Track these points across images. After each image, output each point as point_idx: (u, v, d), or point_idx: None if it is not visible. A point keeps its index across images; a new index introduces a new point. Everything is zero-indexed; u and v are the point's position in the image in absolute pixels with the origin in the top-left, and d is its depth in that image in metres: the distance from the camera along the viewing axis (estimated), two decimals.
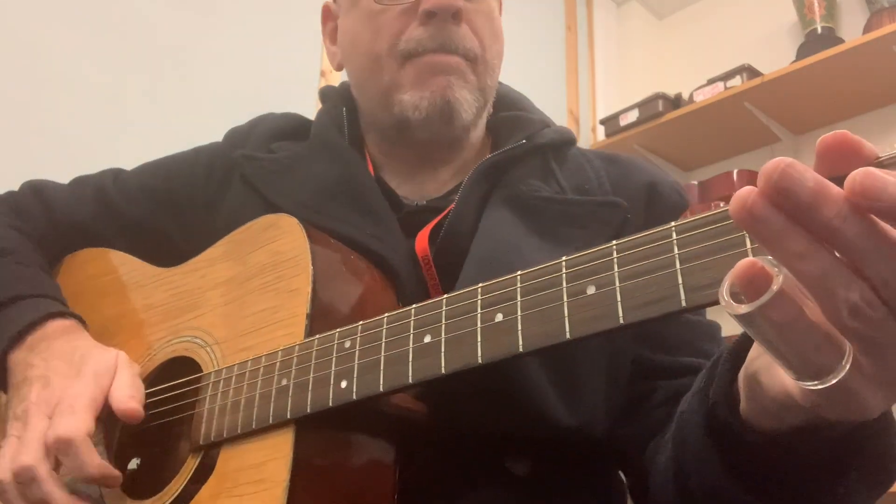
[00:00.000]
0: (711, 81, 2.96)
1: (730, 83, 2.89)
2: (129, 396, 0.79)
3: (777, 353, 0.41)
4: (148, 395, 0.83)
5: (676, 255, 0.53)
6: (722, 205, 0.52)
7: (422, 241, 0.86)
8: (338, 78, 2.51)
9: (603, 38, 3.58)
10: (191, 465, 0.77)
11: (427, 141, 0.92)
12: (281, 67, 2.39)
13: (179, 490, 0.77)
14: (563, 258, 0.59)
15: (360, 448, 0.73)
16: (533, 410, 0.75)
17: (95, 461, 0.75)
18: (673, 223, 0.54)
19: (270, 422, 0.71)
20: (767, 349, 0.42)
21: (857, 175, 0.36)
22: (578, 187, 0.92)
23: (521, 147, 0.93)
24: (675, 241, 0.53)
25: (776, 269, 0.39)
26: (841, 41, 2.81)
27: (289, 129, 1.04)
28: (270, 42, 2.40)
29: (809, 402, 0.44)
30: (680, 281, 0.52)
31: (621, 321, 0.54)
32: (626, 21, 3.71)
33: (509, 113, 1.01)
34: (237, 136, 1.04)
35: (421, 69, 0.87)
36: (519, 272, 0.61)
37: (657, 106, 3.02)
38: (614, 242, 0.57)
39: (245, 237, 0.85)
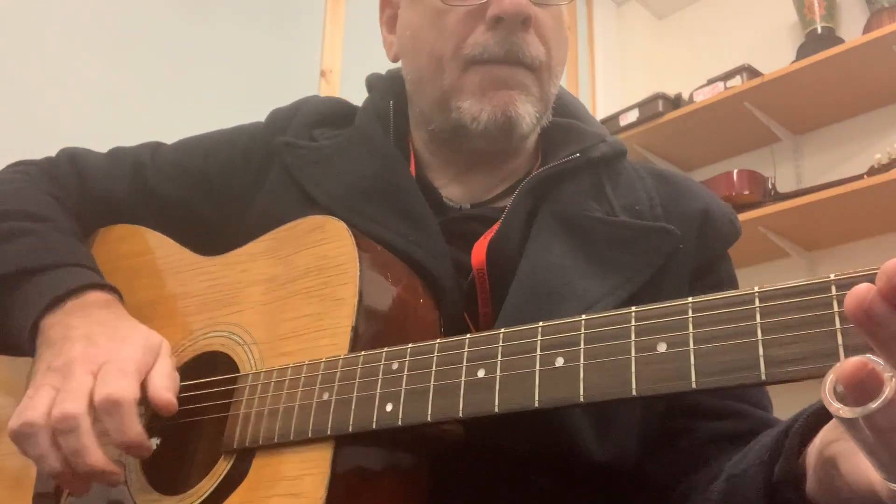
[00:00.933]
0: (711, 81, 2.96)
1: (730, 83, 2.90)
2: (166, 387, 0.77)
3: (874, 456, 0.40)
4: (184, 388, 0.82)
5: (759, 325, 0.50)
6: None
7: (479, 253, 0.83)
8: (337, 78, 2.51)
9: (603, 38, 3.58)
10: (223, 467, 0.76)
11: (483, 150, 0.89)
12: (281, 67, 2.39)
13: (209, 492, 0.76)
14: (633, 309, 0.57)
15: (396, 468, 0.73)
16: (566, 444, 0.74)
17: (137, 427, 0.73)
18: (756, 288, 0.51)
19: (309, 435, 0.70)
20: (864, 451, 0.40)
21: None
22: (629, 207, 0.89)
23: (573, 161, 0.90)
24: (757, 309, 0.51)
25: (889, 375, 0.37)
26: (841, 41, 2.82)
27: (332, 115, 1.01)
28: (270, 42, 2.40)
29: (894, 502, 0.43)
30: (761, 352, 0.50)
31: (693, 385, 0.52)
32: (626, 21, 3.71)
33: (563, 120, 0.96)
34: (279, 120, 1.01)
35: (484, 78, 0.84)
36: (584, 317, 0.59)
37: (657, 106, 3.02)
38: (690, 300, 0.55)
39: (289, 236, 0.83)
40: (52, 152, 1.09)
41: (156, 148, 1.05)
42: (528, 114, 0.85)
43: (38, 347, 0.82)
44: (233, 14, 2.32)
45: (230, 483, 0.75)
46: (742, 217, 2.72)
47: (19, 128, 1.80)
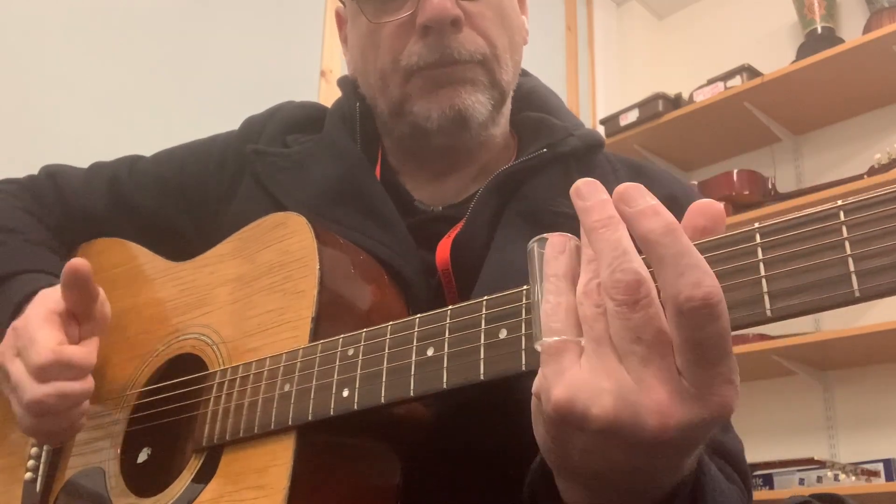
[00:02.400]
0: (711, 81, 2.97)
1: (730, 83, 2.90)
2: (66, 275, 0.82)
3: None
4: (156, 392, 0.84)
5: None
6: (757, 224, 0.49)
7: (443, 252, 0.83)
8: (337, 78, 2.51)
9: (603, 38, 3.58)
10: (194, 465, 0.77)
11: (445, 146, 0.89)
12: (281, 67, 2.39)
13: (182, 490, 0.77)
14: None
15: (363, 457, 0.73)
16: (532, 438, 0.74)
17: (83, 354, 0.79)
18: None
19: (272, 427, 0.71)
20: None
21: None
22: None
23: (541, 157, 0.89)
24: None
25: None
26: (841, 41, 2.82)
27: (305, 120, 1.02)
28: (270, 42, 2.40)
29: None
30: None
31: None
32: (626, 21, 3.71)
33: (535, 115, 0.96)
34: (253, 127, 1.02)
35: (426, 83, 0.84)
36: (525, 287, 0.59)
37: (657, 106, 3.02)
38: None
39: (254, 235, 0.84)
40: (52, 153, 1.10)
41: (134, 161, 1.07)
42: (478, 102, 0.85)
43: None
44: (233, 14, 2.32)
45: (201, 480, 0.75)
46: (742, 217, 2.73)
47: (19, 129, 1.80)
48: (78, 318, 0.83)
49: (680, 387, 0.45)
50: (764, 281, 0.48)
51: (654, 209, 0.48)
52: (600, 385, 0.46)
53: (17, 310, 0.86)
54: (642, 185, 0.50)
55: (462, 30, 0.84)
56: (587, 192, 0.52)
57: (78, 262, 0.82)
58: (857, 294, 0.45)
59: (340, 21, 0.99)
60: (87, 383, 0.80)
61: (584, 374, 0.47)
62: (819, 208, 0.48)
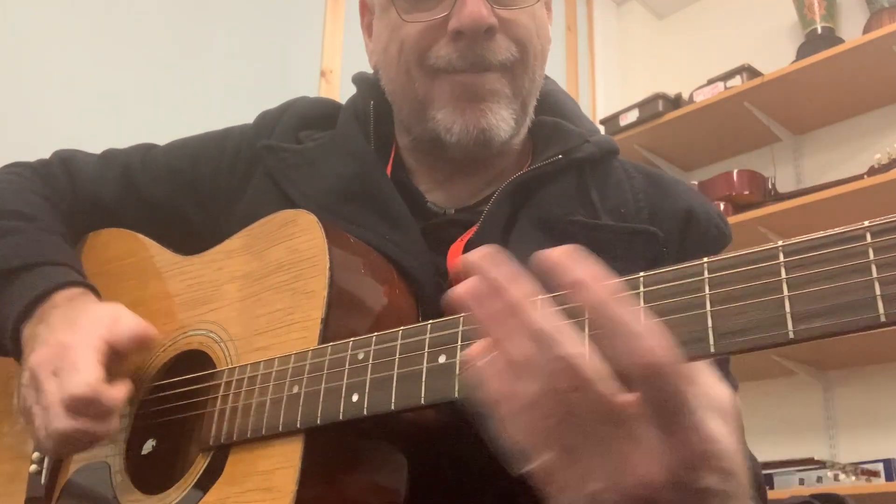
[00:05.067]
0: (711, 81, 2.96)
1: (730, 83, 2.90)
2: (135, 323, 0.81)
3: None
4: (162, 388, 0.83)
5: (708, 296, 0.50)
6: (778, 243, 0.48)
7: (455, 257, 0.82)
8: (337, 78, 2.51)
9: (603, 38, 3.58)
10: (200, 465, 0.77)
11: (461, 158, 0.88)
12: (281, 67, 2.38)
13: (188, 490, 0.76)
14: None
15: (371, 462, 0.72)
16: None
17: (115, 398, 0.78)
18: (706, 259, 0.50)
19: (280, 429, 0.70)
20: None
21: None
22: (614, 210, 0.86)
23: (555, 163, 0.88)
24: (707, 280, 0.50)
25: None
26: (841, 41, 2.82)
27: (319, 116, 1.00)
28: (270, 42, 2.40)
29: None
30: (710, 324, 0.49)
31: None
32: (626, 21, 3.71)
33: (550, 120, 0.94)
34: (266, 122, 1.00)
35: (454, 88, 0.83)
36: (539, 298, 0.58)
37: (657, 106, 3.02)
38: (642, 274, 0.54)
39: (263, 231, 0.83)
40: (52, 152, 1.09)
41: (147, 150, 1.05)
42: (502, 120, 0.84)
43: (21, 350, 0.86)
44: (233, 14, 2.32)
45: (207, 480, 0.75)
46: (742, 217, 2.72)
47: (20, 128, 1.80)
48: (121, 355, 0.82)
49: (650, 446, 0.46)
50: (787, 301, 0.47)
51: (581, 282, 0.47)
52: (592, 489, 0.47)
53: (39, 301, 0.85)
54: (562, 253, 0.48)
55: (495, 37, 0.83)
56: (564, 267, 0.48)
57: (151, 331, 0.82)
58: (882, 318, 0.44)
59: (364, 9, 0.98)
60: (113, 425, 0.79)
61: (577, 484, 0.48)
62: (845, 228, 0.46)
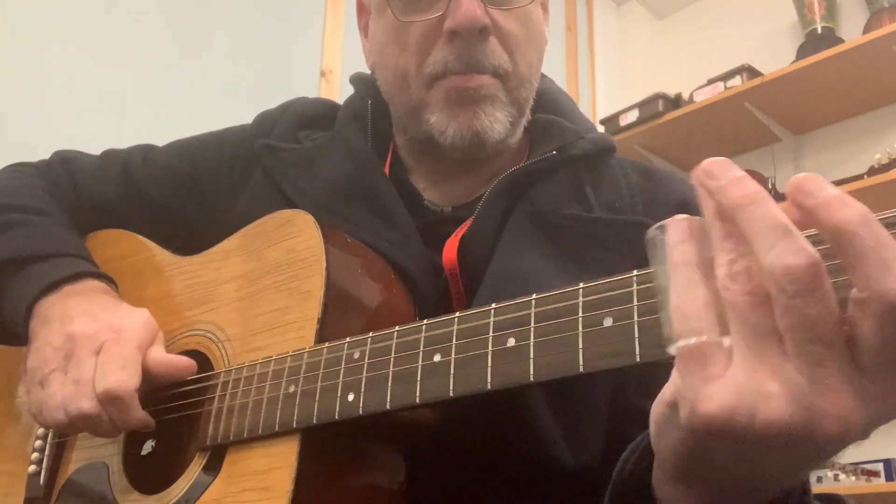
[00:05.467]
0: (711, 81, 2.97)
1: (730, 83, 2.90)
2: (168, 361, 0.81)
3: (664, 294, 0.44)
4: (161, 388, 0.83)
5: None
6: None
7: (450, 252, 0.83)
8: (337, 78, 2.51)
9: (603, 38, 3.58)
10: (197, 464, 0.77)
11: (457, 157, 0.89)
12: (281, 67, 2.39)
13: (185, 490, 0.76)
14: (581, 285, 0.56)
15: (367, 461, 0.73)
16: (539, 449, 0.74)
17: (138, 415, 0.77)
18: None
19: (276, 429, 0.70)
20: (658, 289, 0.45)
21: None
22: (609, 204, 0.87)
23: (550, 159, 0.88)
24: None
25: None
26: (841, 41, 2.82)
27: (318, 116, 1.01)
28: (270, 42, 2.40)
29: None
30: None
31: (638, 359, 0.51)
32: (626, 21, 3.71)
33: (546, 117, 0.95)
34: (265, 122, 1.01)
35: (448, 93, 0.84)
36: (535, 296, 0.58)
37: (657, 106, 3.02)
38: (635, 272, 0.54)
39: (260, 232, 0.83)
40: (52, 152, 1.09)
41: (147, 150, 1.06)
42: (497, 121, 0.84)
43: (32, 329, 0.85)
44: (233, 14, 2.33)
45: (205, 480, 0.75)
46: None
47: (20, 128, 1.81)
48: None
49: (863, 388, 0.40)
50: None
51: (843, 199, 0.40)
52: (765, 388, 0.40)
53: (53, 287, 0.85)
54: (819, 176, 0.41)
55: (489, 39, 0.83)
56: (719, 171, 0.43)
57: (192, 368, 0.81)
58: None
59: (361, 9, 0.98)
60: (118, 433, 0.80)
61: (741, 378, 0.41)
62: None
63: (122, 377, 0.76)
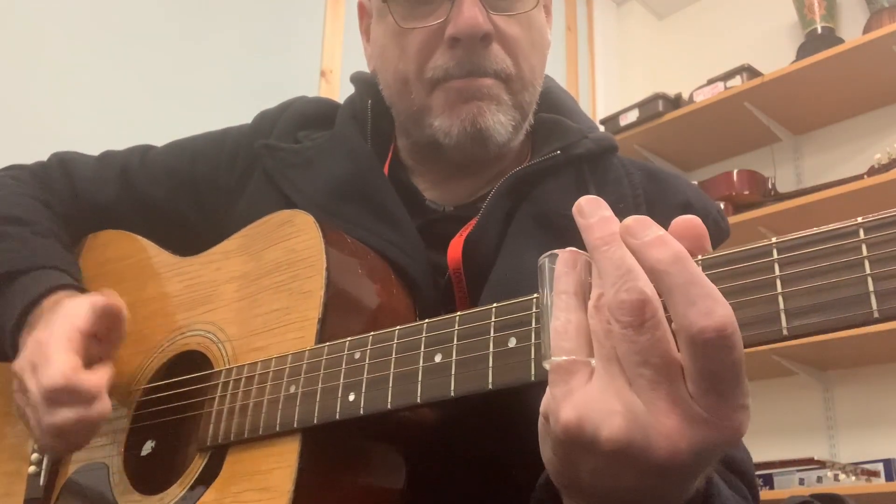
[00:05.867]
0: (711, 81, 2.97)
1: (730, 83, 2.90)
2: (98, 300, 0.81)
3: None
4: (160, 388, 0.83)
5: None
6: (772, 239, 0.48)
7: (454, 252, 0.82)
8: (337, 78, 2.51)
9: (603, 38, 3.58)
10: (198, 465, 0.77)
11: (461, 158, 0.88)
12: (281, 67, 2.39)
13: (185, 490, 0.76)
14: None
15: (368, 462, 0.73)
16: (539, 450, 0.74)
17: (95, 382, 0.78)
18: (700, 257, 0.50)
19: (277, 429, 0.70)
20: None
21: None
22: (612, 205, 0.86)
23: (554, 159, 0.88)
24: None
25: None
26: (841, 41, 2.82)
27: (317, 116, 1.00)
28: (270, 42, 2.40)
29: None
30: None
31: None
32: (626, 21, 3.71)
33: (549, 116, 0.94)
34: (265, 122, 1.01)
35: (449, 95, 0.83)
36: (535, 295, 0.58)
37: (657, 106, 3.02)
38: None
39: (260, 232, 0.83)
40: (50, 154, 1.09)
41: (145, 151, 1.06)
42: (499, 123, 0.84)
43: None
44: (233, 14, 2.33)
45: (205, 480, 0.75)
46: (742, 217, 2.73)
47: (20, 128, 1.81)
48: (99, 338, 0.83)
49: (691, 412, 0.44)
50: (781, 298, 0.46)
51: (662, 239, 0.46)
52: (611, 406, 0.45)
53: (32, 306, 0.86)
54: (648, 218, 0.47)
55: (491, 44, 0.83)
56: (589, 210, 0.50)
57: (117, 305, 0.82)
58: (876, 315, 0.43)
59: (363, 12, 0.98)
60: (101, 407, 0.79)
61: (594, 394, 0.46)
62: (838, 225, 0.46)
63: (51, 371, 0.77)
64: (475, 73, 0.83)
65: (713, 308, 0.43)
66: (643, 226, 0.47)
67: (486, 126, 0.83)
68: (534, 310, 0.58)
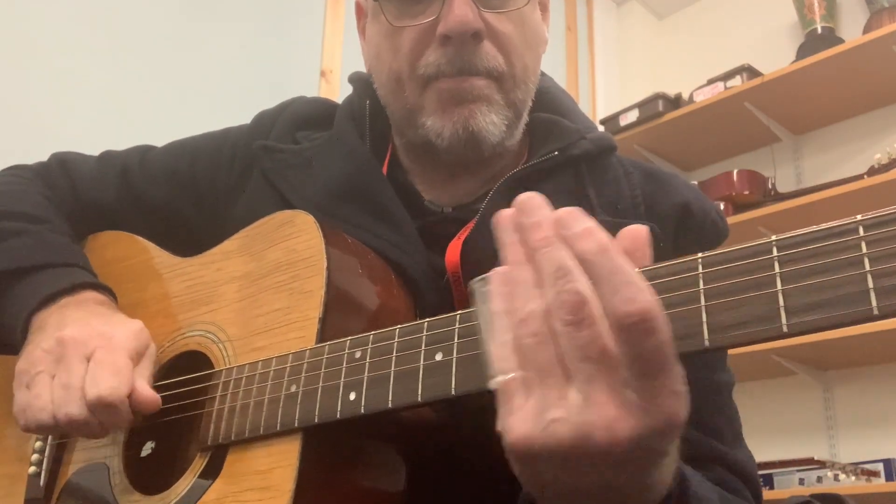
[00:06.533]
0: (711, 81, 2.97)
1: (730, 83, 2.90)
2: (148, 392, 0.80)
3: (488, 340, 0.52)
4: (161, 388, 0.83)
5: (702, 291, 0.50)
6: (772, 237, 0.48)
7: (453, 254, 0.82)
8: (337, 78, 2.51)
9: (603, 38, 3.59)
10: (198, 464, 0.77)
11: (454, 160, 0.88)
12: (281, 67, 2.39)
13: (186, 490, 0.77)
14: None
15: (369, 461, 0.73)
16: None
17: (129, 419, 0.78)
18: (700, 255, 0.51)
19: (278, 428, 0.70)
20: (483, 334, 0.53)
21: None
22: (611, 205, 0.87)
23: (552, 160, 0.88)
24: (700, 275, 0.50)
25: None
26: (841, 41, 2.82)
27: (316, 116, 1.00)
28: (270, 42, 2.40)
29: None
30: (704, 319, 0.49)
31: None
32: (626, 21, 3.71)
33: (546, 116, 0.95)
34: (264, 122, 1.01)
35: (441, 95, 0.83)
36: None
37: (657, 106, 3.02)
38: (636, 270, 0.53)
39: (261, 232, 0.84)
40: (50, 154, 1.09)
41: (145, 152, 1.05)
42: (492, 123, 0.83)
43: (28, 336, 0.85)
44: (233, 14, 2.33)
45: (206, 480, 0.75)
46: (742, 217, 2.73)
47: (20, 128, 1.81)
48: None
49: (626, 400, 0.46)
50: (780, 295, 0.47)
51: (589, 231, 0.49)
52: (550, 416, 0.47)
53: (51, 299, 0.85)
54: (578, 210, 0.51)
55: (483, 42, 0.83)
56: (529, 209, 0.52)
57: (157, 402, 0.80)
58: (875, 312, 0.44)
59: (360, 12, 0.98)
60: (106, 434, 0.80)
61: (534, 409, 0.48)
62: (838, 223, 0.46)
63: (115, 384, 0.76)
64: (466, 72, 0.82)
65: (636, 294, 0.46)
66: (573, 218, 0.50)
67: (477, 129, 0.83)
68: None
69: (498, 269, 0.53)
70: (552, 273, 0.49)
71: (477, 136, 0.83)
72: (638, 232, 0.52)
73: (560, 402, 0.47)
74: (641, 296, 0.46)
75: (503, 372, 0.50)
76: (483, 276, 0.54)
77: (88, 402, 0.76)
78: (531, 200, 0.53)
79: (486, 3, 0.83)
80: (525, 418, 0.48)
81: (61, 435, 0.84)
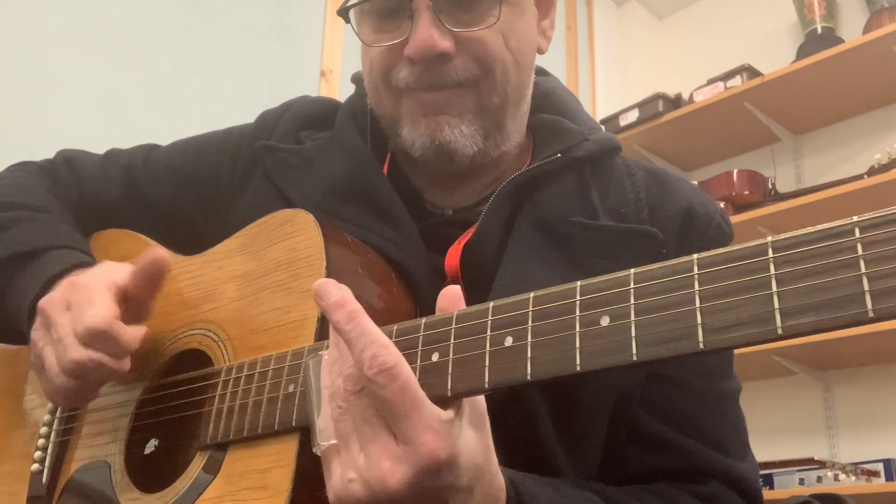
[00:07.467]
0: (711, 81, 2.97)
1: (730, 83, 2.90)
2: (146, 258, 0.81)
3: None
4: (162, 387, 0.84)
5: (697, 292, 0.49)
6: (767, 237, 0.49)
7: (452, 258, 0.82)
8: (337, 78, 2.51)
9: (603, 38, 3.59)
10: (198, 463, 0.77)
11: (433, 171, 0.89)
12: (281, 67, 2.39)
13: (185, 489, 0.77)
14: (578, 283, 0.56)
15: None
16: (540, 457, 0.75)
17: (132, 335, 0.78)
18: (696, 256, 0.51)
19: (276, 428, 0.71)
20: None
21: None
22: (614, 209, 0.86)
23: (555, 162, 0.87)
24: (696, 276, 0.50)
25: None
26: (841, 41, 2.82)
27: (319, 116, 1.00)
28: (270, 42, 2.40)
29: None
30: (699, 321, 0.49)
31: (634, 358, 0.51)
32: (626, 21, 3.71)
33: (549, 118, 0.94)
34: (267, 122, 1.01)
35: (412, 106, 0.84)
36: (532, 294, 0.59)
37: (657, 106, 3.02)
38: (633, 271, 0.54)
39: (261, 231, 0.84)
40: (56, 152, 1.09)
41: (149, 150, 1.06)
42: (463, 135, 0.83)
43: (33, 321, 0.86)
44: (233, 15, 2.33)
45: (205, 478, 0.76)
46: (742, 217, 2.73)
47: (20, 128, 1.81)
48: (134, 303, 0.82)
49: (395, 453, 0.55)
50: (776, 297, 0.47)
51: (339, 302, 0.58)
52: (348, 477, 0.57)
53: (50, 283, 0.85)
54: (333, 281, 0.60)
55: (452, 60, 0.82)
56: (324, 292, 0.60)
57: (163, 255, 0.81)
58: (870, 314, 0.44)
59: None
60: (125, 364, 0.79)
61: (338, 472, 0.58)
62: (834, 224, 0.46)
63: (94, 312, 0.76)
64: (435, 87, 0.82)
65: (377, 351, 0.55)
66: (327, 290, 0.59)
67: (445, 141, 0.82)
68: (531, 308, 0.58)
69: (331, 347, 0.61)
70: (344, 350, 0.57)
71: (446, 147, 0.83)
72: (449, 291, 0.62)
73: (353, 465, 0.56)
74: (382, 351, 0.55)
75: (325, 440, 0.59)
76: (318, 353, 0.62)
77: (81, 339, 0.76)
78: (323, 286, 0.60)
79: (454, 21, 0.81)
80: (335, 481, 0.58)
81: (90, 392, 0.82)
